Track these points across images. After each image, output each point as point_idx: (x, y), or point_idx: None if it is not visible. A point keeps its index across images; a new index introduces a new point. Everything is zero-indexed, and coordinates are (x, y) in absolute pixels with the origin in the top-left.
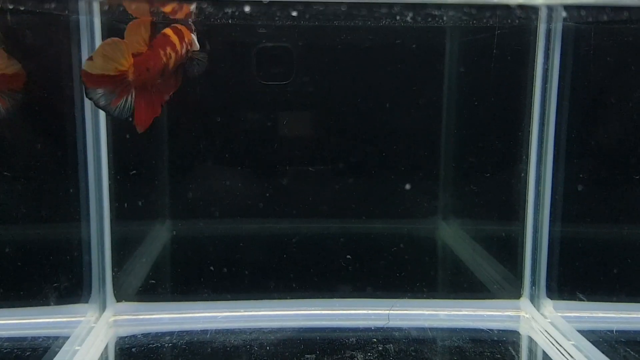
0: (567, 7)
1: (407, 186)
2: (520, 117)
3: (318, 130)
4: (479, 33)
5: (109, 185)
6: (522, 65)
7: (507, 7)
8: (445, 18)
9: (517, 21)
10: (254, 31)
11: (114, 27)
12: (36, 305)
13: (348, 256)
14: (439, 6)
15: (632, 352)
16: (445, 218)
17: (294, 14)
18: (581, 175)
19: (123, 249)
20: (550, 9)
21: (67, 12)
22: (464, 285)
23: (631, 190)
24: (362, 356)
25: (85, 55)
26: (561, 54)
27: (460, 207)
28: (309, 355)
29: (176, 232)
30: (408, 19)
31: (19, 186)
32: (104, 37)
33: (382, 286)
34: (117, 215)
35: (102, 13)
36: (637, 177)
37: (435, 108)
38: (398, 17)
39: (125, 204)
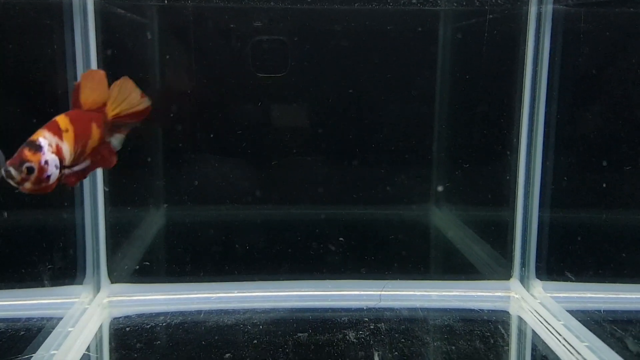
0: None
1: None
2: (511, 103)
3: (312, 118)
4: (472, 18)
5: (103, 170)
6: (513, 51)
7: None
8: (440, 1)
9: (509, 5)
10: (250, 24)
11: (107, 10)
12: (31, 287)
13: (340, 238)
14: None
15: (618, 330)
16: (437, 204)
17: None
18: (570, 162)
19: (118, 233)
20: None
21: None
22: (456, 267)
23: (617, 177)
24: (353, 334)
25: (78, 39)
26: (551, 38)
27: (453, 194)
28: (301, 334)
29: (171, 216)
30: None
31: None
32: (97, 21)
33: (375, 268)
34: (112, 199)
35: None
36: (623, 163)
37: (429, 95)
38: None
39: (120, 189)
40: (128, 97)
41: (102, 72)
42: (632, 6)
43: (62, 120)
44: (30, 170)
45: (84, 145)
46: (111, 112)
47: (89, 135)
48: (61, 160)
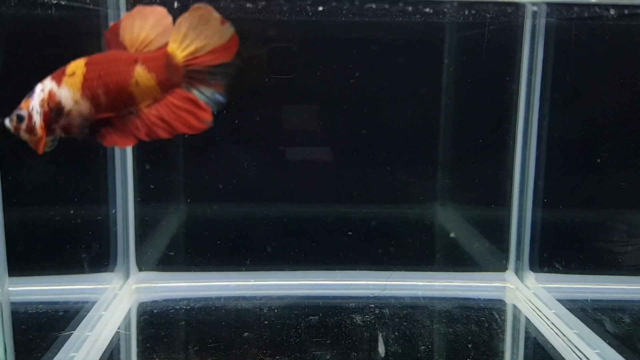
0: (549, 5)
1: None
2: (508, 108)
3: (323, 119)
4: (475, 29)
5: (133, 169)
6: (510, 59)
7: (497, 4)
8: (445, 13)
9: (505, 18)
10: (266, 34)
11: None
12: (68, 274)
13: (349, 233)
14: (439, 3)
15: (604, 317)
16: (442, 203)
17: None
18: (561, 163)
19: (145, 226)
20: (535, 6)
21: (97, 5)
22: (456, 260)
23: (603, 176)
24: (360, 318)
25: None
26: (544, 47)
27: (456, 194)
28: (312, 317)
29: (193, 211)
30: (412, 14)
31: (57, 172)
32: None
33: (381, 261)
34: (140, 195)
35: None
36: (608, 164)
37: (434, 100)
38: (401, 13)
39: (148, 186)
40: (204, 30)
41: (160, 8)
42: (612, 20)
43: (74, 63)
44: (20, 118)
45: (109, 91)
46: (180, 53)
47: (118, 81)
48: (56, 108)
